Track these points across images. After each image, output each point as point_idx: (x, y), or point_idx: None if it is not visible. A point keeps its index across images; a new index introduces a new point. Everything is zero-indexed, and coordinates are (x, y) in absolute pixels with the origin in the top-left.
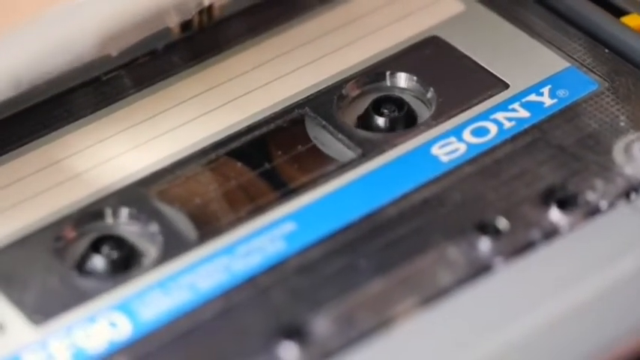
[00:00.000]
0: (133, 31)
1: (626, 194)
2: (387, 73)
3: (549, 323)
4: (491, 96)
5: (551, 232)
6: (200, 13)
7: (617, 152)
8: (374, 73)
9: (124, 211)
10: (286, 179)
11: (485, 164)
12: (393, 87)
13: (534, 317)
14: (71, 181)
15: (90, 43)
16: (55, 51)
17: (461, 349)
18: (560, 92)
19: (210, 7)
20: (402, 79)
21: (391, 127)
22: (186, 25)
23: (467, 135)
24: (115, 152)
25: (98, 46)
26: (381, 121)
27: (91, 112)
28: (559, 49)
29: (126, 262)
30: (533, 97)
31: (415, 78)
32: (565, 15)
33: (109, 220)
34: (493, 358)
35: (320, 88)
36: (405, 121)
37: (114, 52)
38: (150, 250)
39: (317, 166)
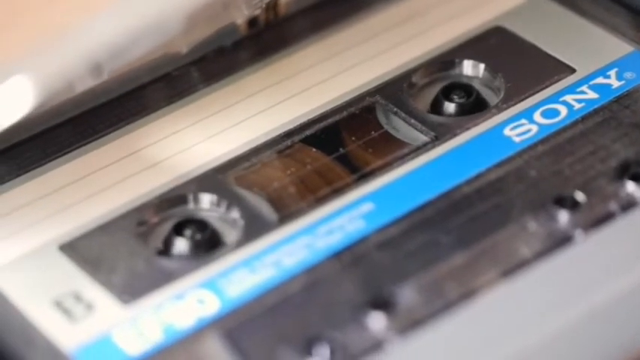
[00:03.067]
0: (203, 25)
1: None
2: (456, 61)
3: (631, 291)
4: (558, 80)
5: (628, 204)
6: (266, 9)
7: None
8: (442, 62)
9: (204, 197)
10: (361, 164)
11: (558, 143)
12: (462, 75)
13: (616, 286)
14: (149, 170)
15: (172, 27)
16: (135, 36)
17: (542, 318)
18: (627, 74)
19: (275, 4)
20: (471, 67)
21: (461, 112)
22: (252, 22)
23: (537, 116)
24: (191, 142)
25: (178, 33)
26: (451, 107)
27: (164, 106)
28: (623, 34)
29: (208, 244)
30: (600, 80)
31: (483, 65)
32: (626, 3)
33: (190, 205)
34: (575, 326)
35: (388, 77)
36: (475, 106)
37: (184, 49)
38: (231, 233)
39: (391, 150)
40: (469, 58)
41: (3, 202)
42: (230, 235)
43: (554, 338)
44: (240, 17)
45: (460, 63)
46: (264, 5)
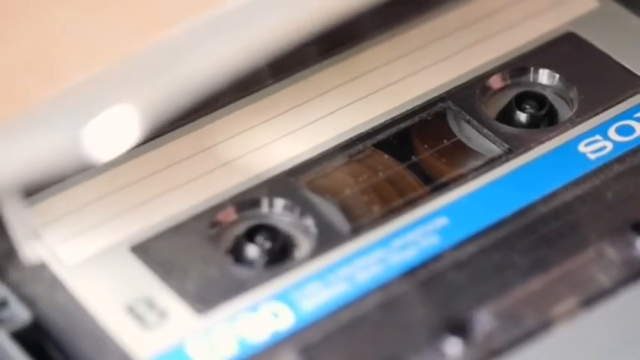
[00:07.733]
0: None
1: None
2: (532, 69)
3: None
4: (633, 95)
5: None
6: None
7: None
8: (517, 68)
9: (277, 201)
10: (434, 173)
11: (634, 164)
12: (536, 83)
13: None
14: (221, 169)
15: None
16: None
17: (622, 354)
18: None
19: None
20: (545, 76)
21: (533, 123)
22: None
23: (612, 133)
24: (262, 141)
25: None
26: (523, 117)
27: (234, 100)
28: None
29: (280, 252)
30: None
31: (557, 75)
32: None
33: (262, 209)
34: None
35: (460, 82)
36: (548, 118)
37: None
38: (302, 241)
39: (464, 160)
40: (542, 65)
41: (71, 197)
42: (302, 243)
43: None
44: None
45: (533, 71)
46: None
